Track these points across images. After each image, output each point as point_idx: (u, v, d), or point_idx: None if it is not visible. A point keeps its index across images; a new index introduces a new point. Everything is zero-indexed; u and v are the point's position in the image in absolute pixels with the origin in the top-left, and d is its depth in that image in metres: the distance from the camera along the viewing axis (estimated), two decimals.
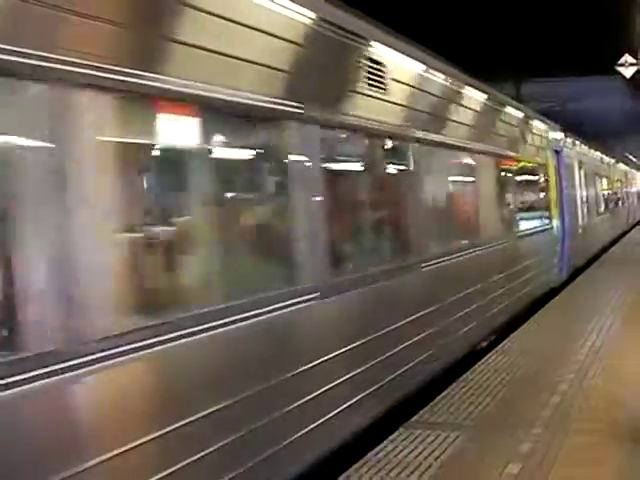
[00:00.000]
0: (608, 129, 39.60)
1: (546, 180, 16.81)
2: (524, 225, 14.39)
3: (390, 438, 7.03)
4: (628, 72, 21.43)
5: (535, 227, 15.32)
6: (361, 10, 7.83)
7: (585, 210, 22.15)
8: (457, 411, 7.80)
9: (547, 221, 16.52)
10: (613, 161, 34.72)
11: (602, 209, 28.11)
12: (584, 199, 22.19)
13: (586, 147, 24.54)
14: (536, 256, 14.81)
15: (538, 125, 16.66)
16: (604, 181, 29.81)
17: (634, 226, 40.14)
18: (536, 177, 16.24)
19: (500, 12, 19.23)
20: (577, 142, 22.14)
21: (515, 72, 26.21)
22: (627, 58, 21.23)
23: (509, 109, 14.01)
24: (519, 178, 14.49)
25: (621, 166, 38.82)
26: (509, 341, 11.16)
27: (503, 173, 13.19)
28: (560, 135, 18.88)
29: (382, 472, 6.22)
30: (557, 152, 18.00)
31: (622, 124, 38.77)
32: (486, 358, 10.10)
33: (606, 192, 30.17)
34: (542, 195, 16.56)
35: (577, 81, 28.62)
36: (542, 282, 15.27)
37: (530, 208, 15.35)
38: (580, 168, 21.75)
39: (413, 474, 6.16)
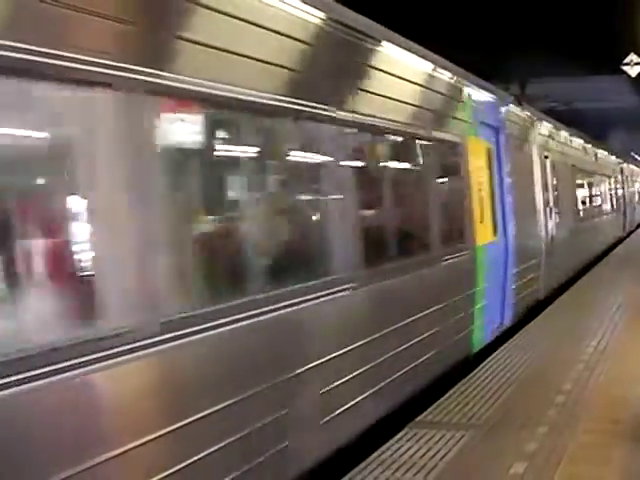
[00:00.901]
0: (613, 128, 39.63)
1: (460, 173, 10.16)
2: (399, 256, 7.98)
3: (395, 438, 7.04)
4: (633, 71, 21.42)
5: (425, 257, 8.68)
6: (364, 8, 7.81)
7: (553, 216, 16.08)
8: (462, 411, 7.81)
9: (459, 244, 9.72)
10: (605, 153, 28.63)
11: (585, 213, 22.00)
12: (552, 201, 16.15)
13: (554, 128, 18.35)
14: (430, 307, 8.57)
15: (440, 77, 9.80)
16: (589, 177, 23.66)
17: (633, 231, 35.16)
18: (433, 167, 9.28)
19: (504, 12, 19.24)
20: (538, 119, 16.14)
21: (520, 72, 26.21)
22: (632, 57, 21.22)
23: (355, 38, 7.41)
24: (382, 167, 8.03)
25: (615, 160, 32.42)
26: (514, 341, 11.17)
27: (343, 155, 7.02)
28: (495, 100, 12.34)
29: (387, 472, 6.23)
30: (495, 129, 11.96)
31: (627, 123, 38.73)
32: (491, 358, 10.10)
33: (592, 191, 24.24)
34: (448, 199, 9.77)
35: (582, 80, 28.61)
36: (453, 348, 9.30)
37: (417, 223, 8.94)
38: (545, 157, 15.90)
39: (419, 474, 6.16)
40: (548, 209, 15.68)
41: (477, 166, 10.76)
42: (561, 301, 14.78)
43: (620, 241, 29.35)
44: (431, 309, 8.61)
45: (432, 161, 9.26)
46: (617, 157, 32.94)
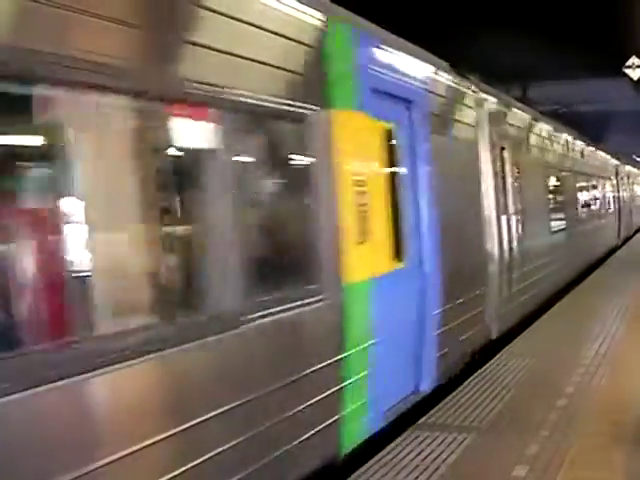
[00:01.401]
0: (614, 130, 39.69)
1: (306, 165, 6.16)
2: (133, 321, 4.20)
3: (397, 440, 7.05)
4: (635, 74, 21.46)
5: (210, 317, 4.74)
6: (367, 9, 7.84)
7: (514, 227, 12.33)
8: (465, 413, 7.82)
9: (303, 286, 5.88)
10: (595, 151, 25.11)
11: (566, 221, 17.79)
12: (511, 207, 12.32)
13: (518, 112, 14.26)
14: (222, 405, 4.73)
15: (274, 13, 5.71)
16: (572, 178, 19.68)
17: (630, 237, 32.34)
18: (225, 153, 5.04)
19: (506, 14, 19.28)
20: (490, 97, 11.82)
21: (522, 75, 26.26)
22: (634, 60, 21.28)
23: None
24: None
25: (610, 160, 29.00)
26: (516, 345, 11.18)
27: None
28: (411, 62, 8.53)
29: (390, 474, 6.24)
30: (407, 103, 8.22)
31: (628, 126, 38.81)
32: (493, 361, 10.11)
33: (576, 195, 20.46)
34: (274, 209, 5.99)
35: (584, 83, 28.68)
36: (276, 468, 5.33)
37: (187, 257, 4.85)
38: (501, 149, 12.04)
39: (421, 476, 6.18)
40: (505, 218, 11.82)
41: (356, 156, 6.84)
42: (561, 306, 14.79)
43: (615, 249, 26.65)
44: (225, 408, 4.75)
45: (223, 144, 5.03)
46: (612, 157, 29.84)
